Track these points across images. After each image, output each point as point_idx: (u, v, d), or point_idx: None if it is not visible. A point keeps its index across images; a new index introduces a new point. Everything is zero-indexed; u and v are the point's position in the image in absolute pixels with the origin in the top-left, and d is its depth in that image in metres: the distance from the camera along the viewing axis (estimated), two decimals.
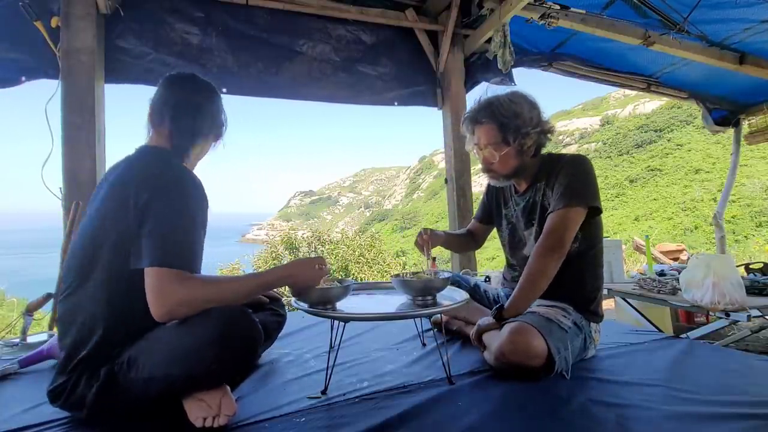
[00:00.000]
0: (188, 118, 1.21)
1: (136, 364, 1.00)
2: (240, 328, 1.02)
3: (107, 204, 1.07)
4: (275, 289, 1.66)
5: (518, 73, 3.22)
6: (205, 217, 1.11)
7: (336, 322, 1.38)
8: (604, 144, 31.46)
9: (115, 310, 1.04)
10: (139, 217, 1.02)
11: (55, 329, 1.35)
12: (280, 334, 1.61)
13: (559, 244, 1.37)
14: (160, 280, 0.98)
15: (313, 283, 1.21)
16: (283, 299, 1.65)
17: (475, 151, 1.59)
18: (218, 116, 1.30)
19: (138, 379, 0.99)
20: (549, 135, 1.52)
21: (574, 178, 1.43)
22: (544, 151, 1.56)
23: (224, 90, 2.67)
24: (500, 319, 1.37)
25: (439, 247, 1.82)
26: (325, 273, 1.23)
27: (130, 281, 1.02)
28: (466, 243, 1.91)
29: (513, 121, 1.46)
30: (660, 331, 2.14)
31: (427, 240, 1.61)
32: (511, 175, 1.55)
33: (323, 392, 1.21)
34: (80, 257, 1.08)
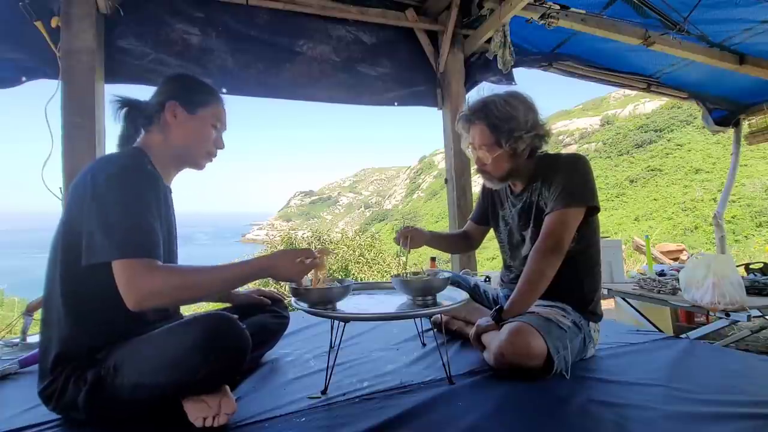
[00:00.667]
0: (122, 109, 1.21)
1: (122, 370, 0.99)
2: (226, 337, 1.00)
3: (67, 201, 1.08)
4: (277, 291, 1.66)
5: (518, 73, 3.23)
6: (160, 205, 1.09)
7: (336, 322, 1.38)
8: (604, 144, 31.40)
9: (73, 307, 1.03)
10: (87, 211, 1.00)
11: None
12: None
13: (558, 245, 1.37)
14: (128, 271, 0.96)
15: (295, 278, 1.15)
16: (285, 300, 1.64)
17: (469, 150, 1.59)
18: (160, 95, 1.23)
19: (126, 385, 0.98)
20: (545, 138, 1.50)
21: (572, 178, 1.43)
22: (541, 151, 1.55)
23: (224, 90, 2.66)
24: (499, 321, 1.37)
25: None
26: (310, 267, 1.15)
27: (86, 278, 1.00)
28: (457, 243, 1.89)
29: (506, 124, 1.44)
30: (660, 331, 2.14)
31: (404, 233, 1.59)
32: (505, 177, 1.54)
33: (323, 392, 1.21)
34: (50, 256, 1.09)
